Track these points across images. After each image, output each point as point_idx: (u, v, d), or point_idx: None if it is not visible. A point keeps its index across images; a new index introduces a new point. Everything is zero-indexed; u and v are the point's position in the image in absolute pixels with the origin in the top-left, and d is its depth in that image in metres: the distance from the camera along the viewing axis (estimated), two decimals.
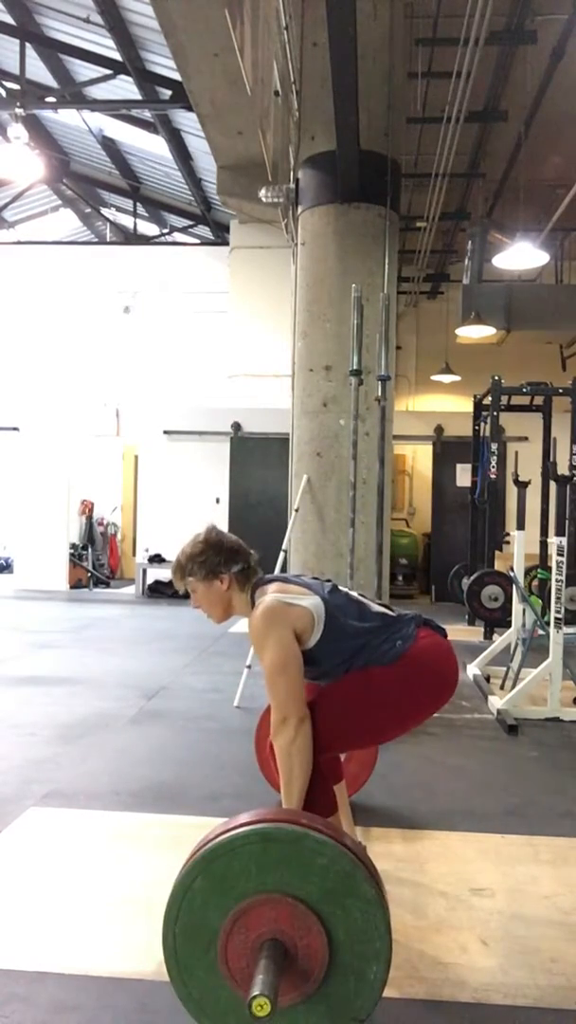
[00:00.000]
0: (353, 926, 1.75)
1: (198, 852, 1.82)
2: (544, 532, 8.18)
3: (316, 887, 1.75)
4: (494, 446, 7.59)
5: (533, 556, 7.79)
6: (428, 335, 12.09)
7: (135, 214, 13.76)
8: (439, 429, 11.31)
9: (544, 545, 8.09)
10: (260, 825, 1.80)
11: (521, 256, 7.31)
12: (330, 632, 2.27)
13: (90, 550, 12.03)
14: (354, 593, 2.45)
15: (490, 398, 7.64)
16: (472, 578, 7.80)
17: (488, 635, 7.65)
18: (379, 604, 2.46)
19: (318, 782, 2.23)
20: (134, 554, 11.94)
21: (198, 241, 13.88)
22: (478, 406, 8.96)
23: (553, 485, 6.96)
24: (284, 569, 5.69)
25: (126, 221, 14.59)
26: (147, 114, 9.80)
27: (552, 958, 2.24)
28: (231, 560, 2.36)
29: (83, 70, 9.37)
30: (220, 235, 12.88)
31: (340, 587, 2.45)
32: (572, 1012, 2.02)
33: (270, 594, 2.28)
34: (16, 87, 8.93)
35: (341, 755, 2.62)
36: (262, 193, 6.19)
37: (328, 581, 2.47)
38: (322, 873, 1.75)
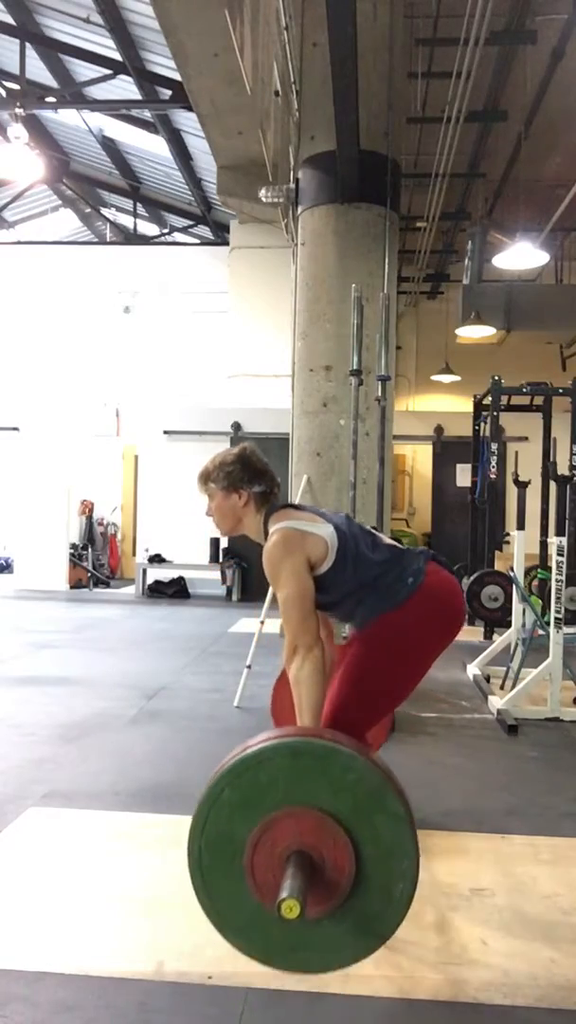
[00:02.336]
0: (381, 843, 1.74)
1: (226, 764, 1.81)
2: (544, 532, 8.18)
3: (345, 802, 1.74)
4: (494, 446, 7.58)
5: (533, 556, 7.79)
6: (428, 335, 12.09)
7: (135, 214, 13.77)
8: (439, 429, 11.31)
9: (544, 545, 8.09)
10: (290, 739, 1.80)
11: (521, 256, 7.32)
12: (342, 560, 2.27)
13: (90, 550, 12.03)
14: (367, 526, 2.48)
15: (490, 398, 7.64)
16: (472, 578, 7.79)
17: (488, 635, 7.64)
18: (389, 539, 2.48)
19: None
20: (134, 554, 11.93)
21: (198, 241, 13.89)
22: (478, 406, 8.95)
23: (553, 485, 6.97)
24: None
25: (126, 221, 14.60)
26: (147, 114, 9.81)
27: (552, 958, 2.24)
28: (255, 480, 2.41)
29: (83, 70, 9.37)
30: (220, 235, 12.89)
31: (354, 519, 2.47)
32: (572, 1012, 2.02)
33: (284, 521, 2.29)
34: (16, 87, 8.93)
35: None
36: (262, 193, 6.20)
37: (340, 512, 2.49)
38: (352, 788, 1.74)
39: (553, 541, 5.18)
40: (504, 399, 7.93)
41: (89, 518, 12.36)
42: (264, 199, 6.21)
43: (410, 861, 1.74)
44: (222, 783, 1.77)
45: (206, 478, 2.45)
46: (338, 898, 1.73)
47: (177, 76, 7.81)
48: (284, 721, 3.01)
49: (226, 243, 11.70)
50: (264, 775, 1.76)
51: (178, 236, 14.43)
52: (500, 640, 6.18)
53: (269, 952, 1.80)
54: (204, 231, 13.76)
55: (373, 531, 2.45)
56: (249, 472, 2.41)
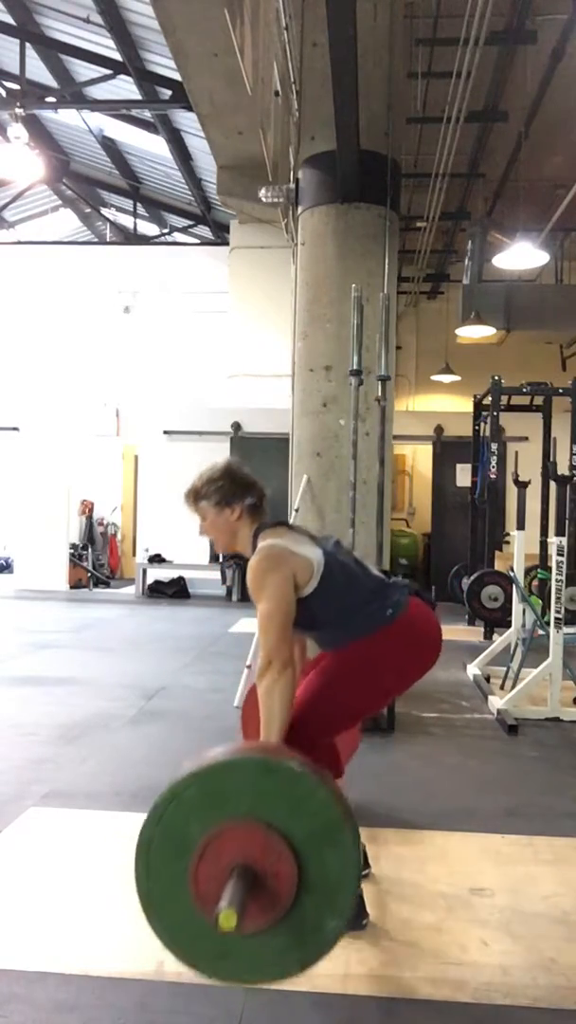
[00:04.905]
0: (326, 875, 1.75)
1: (198, 764, 1.82)
2: (544, 532, 8.18)
3: (301, 827, 1.76)
4: (494, 446, 7.59)
5: (533, 556, 7.79)
6: (428, 335, 12.08)
7: (135, 214, 13.76)
8: (439, 429, 11.31)
9: (544, 545, 8.09)
10: (262, 755, 1.83)
11: (521, 256, 7.31)
12: (327, 585, 2.29)
13: (90, 550, 12.03)
14: (356, 554, 2.51)
15: (490, 398, 7.64)
16: (472, 578, 7.80)
17: (488, 635, 7.64)
18: (376, 569, 2.50)
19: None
20: (134, 554, 11.93)
21: (198, 241, 13.89)
22: (478, 406, 8.95)
23: (553, 485, 6.96)
24: None
25: (126, 221, 14.59)
26: (147, 114, 9.80)
27: (552, 958, 2.24)
28: (245, 493, 2.41)
29: (83, 70, 9.37)
30: (220, 235, 12.88)
31: (342, 544, 2.49)
32: (572, 1012, 2.02)
33: (273, 539, 2.31)
34: (16, 87, 8.92)
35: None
36: (262, 193, 6.18)
37: (331, 537, 2.51)
38: (311, 816, 1.76)
39: (553, 541, 5.18)
40: (504, 399, 7.93)
41: (89, 518, 12.36)
42: (264, 199, 6.19)
43: (347, 899, 1.76)
44: (189, 780, 1.79)
45: (196, 496, 2.45)
46: (273, 917, 1.75)
47: (177, 76, 7.80)
48: (251, 737, 3.01)
49: (226, 243, 11.69)
50: (231, 783, 1.78)
51: (178, 236, 14.42)
52: (500, 640, 6.18)
53: (195, 954, 1.81)
54: (204, 231, 13.75)
55: (360, 561, 2.47)
56: (238, 485, 2.41)
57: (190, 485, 2.49)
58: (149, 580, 10.79)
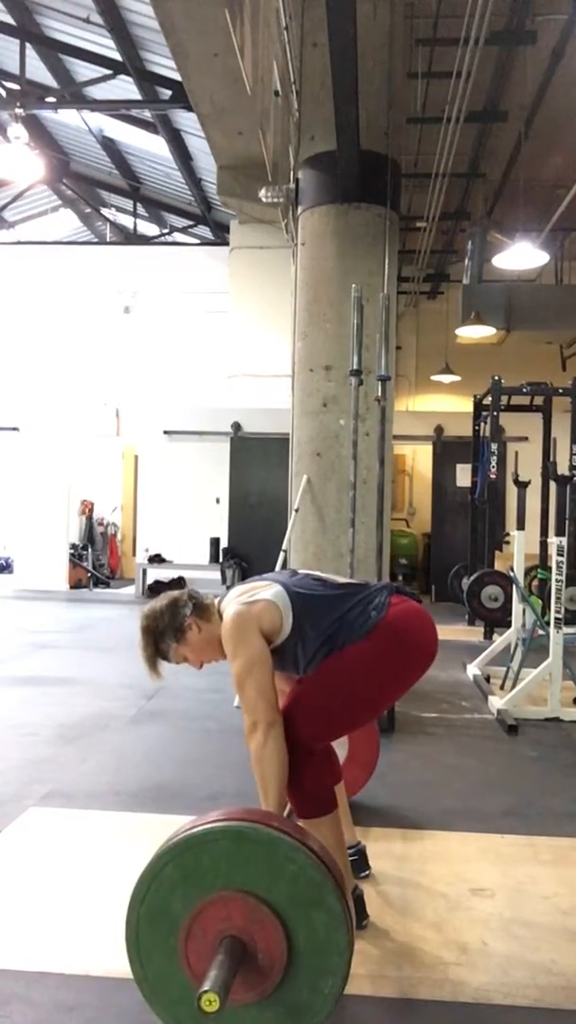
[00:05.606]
0: (315, 936, 1.75)
1: (172, 840, 1.82)
2: (544, 532, 8.18)
3: (283, 892, 1.75)
4: (494, 446, 7.58)
5: (533, 556, 7.79)
6: (428, 335, 12.09)
7: (135, 214, 13.76)
8: (439, 429, 11.31)
9: (544, 545, 8.09)
10: (236, 823, 1.80)
11: (521, 256, 7.31)
12: (301, 613, 2.27)
13: (90, 550, 12.03)
14: (316, 572, 2.48)
15: (490, 398, 7.64)
16: (472, 578, 7.80)
17: (488, 635, 7.64)
18: (343, 579, 2.48)
19: (316, 779, 2.24)
20: (134, 554, 11.93)
21: (198, 241, 13.89)
22: (478, 406, 8.95)
23: (553, 485, 6.96)
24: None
25: (126, 221, 14.60)
26: (147, 114, 9.80)
27: (552, 958, 2.25)
28: (177, 608, 2.34)
29: (83, 70, 9.37)
30: (220, 235, 12.88)
31: (300, 570, 2.48)
32: (572, 1012, 2.02)
33: (231, 602, 2.30)
34: (16, 87, 8.93)
35: (339, 756, 2.61)
36: (262, 193, 6.18)
37: (284, 571, 2.50)
38: (291, 880, 1.75)
39: (553, 541, 5.18)
40: (504, 399, 7.92)
41: (89, 518, 12.36)
42: (264, 199, 6.19)
43: (341, 957, 1.75)
44: (166, 858, 1.79)
45: (162, 649, 2.34)
46: (268, 986, 1.75)
47: (177, 76, 7.80)
48: None
49: (226, 243, 11.70)
50: (207, 857, 1.77)
51: (178, 236, 14.42)
52: (500, 640, 6.18)
53: None
54: (204, 231, 13.75)
55: (322, 577, 2.45)
56: (168, 612, 2.34)
57: (148, 655, 2.36)
58: (149, 580, 10.76)
